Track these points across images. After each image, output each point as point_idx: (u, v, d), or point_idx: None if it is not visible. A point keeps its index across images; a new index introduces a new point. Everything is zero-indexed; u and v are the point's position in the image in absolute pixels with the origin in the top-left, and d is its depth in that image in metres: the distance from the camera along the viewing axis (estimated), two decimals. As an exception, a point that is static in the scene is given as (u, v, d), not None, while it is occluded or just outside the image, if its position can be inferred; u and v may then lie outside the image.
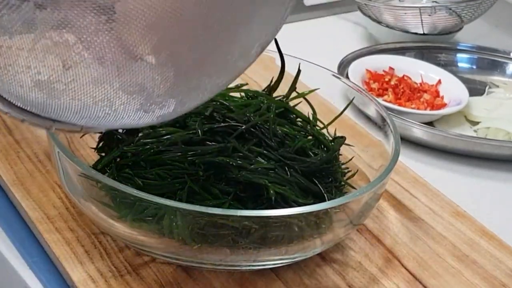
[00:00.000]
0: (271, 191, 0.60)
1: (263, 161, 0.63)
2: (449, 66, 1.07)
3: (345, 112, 0.73)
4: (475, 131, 0.93)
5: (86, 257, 0.61)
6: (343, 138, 0.71)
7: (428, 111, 0.93)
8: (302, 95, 0.74)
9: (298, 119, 0.71)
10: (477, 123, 0.94)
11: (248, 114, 0.67)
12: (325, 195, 0.63)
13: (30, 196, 0.67)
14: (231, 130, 0.65)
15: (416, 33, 1.11)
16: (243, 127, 0.65)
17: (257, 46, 0.51)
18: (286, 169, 0.63)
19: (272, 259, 0.61)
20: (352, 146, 0.72)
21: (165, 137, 0.64)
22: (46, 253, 0.64)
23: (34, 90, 0.44)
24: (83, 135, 0.68)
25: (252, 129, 0.65)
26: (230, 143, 0.63)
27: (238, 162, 0.62)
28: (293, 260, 0.62)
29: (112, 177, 0.61)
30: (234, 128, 0.65)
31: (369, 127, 0.72)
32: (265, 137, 0.65)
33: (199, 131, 0.63)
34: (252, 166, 0.62)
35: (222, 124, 0.65)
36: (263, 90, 0.75)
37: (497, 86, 1.04)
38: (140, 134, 0.66)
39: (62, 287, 0.61)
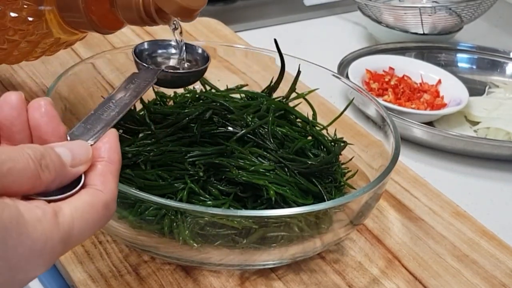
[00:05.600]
0: (271, 192, 0.60)
1: (263, 161, 0.63)
2: (449, 66, 1.07)
3: (345, 112, 0.73)
4: (475, 131, 0.93)
5: (86, 257, 0.61)
6: (344, 143, 0.71)
7: (428, 111, 0.93)
8: (302, 95, 0.74)
9: (298, 120, 0.71)
10: (477, 123, 0.94)
11: (247, 116, 0.67)
12: (325, 195, 0.63)
13: (30, 196, 0.67)
14: (231, 134, 0.65)
15: (416, 33, 1.11)
16: (242, 132, 0.65)
17: None
18: (286, 170, 0.63)
19: (272, 259, 0.61)
20: (352, 145, 0.72)
21: (165, 139, 0.64)
22: (46, 253, 0.64)
23: None
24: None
25: (251, 131, 0.65)
26: (229, 145, 0.63)
27: (239, 162, 0.62)
28: (293, 260, 0.62)
29: (112, 177, 0.61)
30: (234, 132, 0.65)
31: (369, 127, 0.72)
32: (265, 139, 0.65)
33: (197, 134, 0.64)
34: (252, 168, 0.62)
35: (221, 130, 0.65)
36: (263, 90, 0.75)
37: (497, 86, 1.04)
38: (140, 135, 0.66)
39: (62, 287, 0.61)
